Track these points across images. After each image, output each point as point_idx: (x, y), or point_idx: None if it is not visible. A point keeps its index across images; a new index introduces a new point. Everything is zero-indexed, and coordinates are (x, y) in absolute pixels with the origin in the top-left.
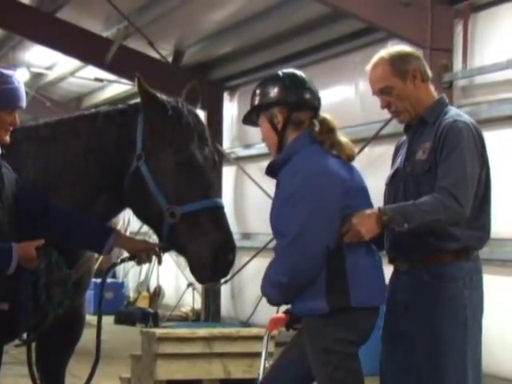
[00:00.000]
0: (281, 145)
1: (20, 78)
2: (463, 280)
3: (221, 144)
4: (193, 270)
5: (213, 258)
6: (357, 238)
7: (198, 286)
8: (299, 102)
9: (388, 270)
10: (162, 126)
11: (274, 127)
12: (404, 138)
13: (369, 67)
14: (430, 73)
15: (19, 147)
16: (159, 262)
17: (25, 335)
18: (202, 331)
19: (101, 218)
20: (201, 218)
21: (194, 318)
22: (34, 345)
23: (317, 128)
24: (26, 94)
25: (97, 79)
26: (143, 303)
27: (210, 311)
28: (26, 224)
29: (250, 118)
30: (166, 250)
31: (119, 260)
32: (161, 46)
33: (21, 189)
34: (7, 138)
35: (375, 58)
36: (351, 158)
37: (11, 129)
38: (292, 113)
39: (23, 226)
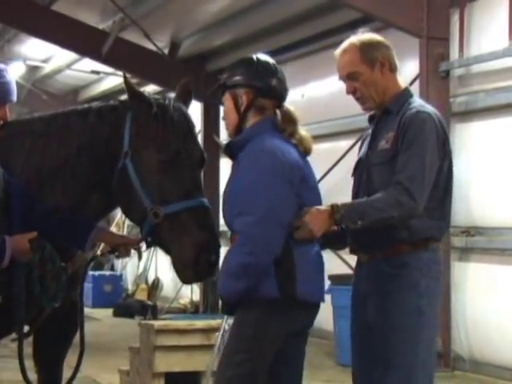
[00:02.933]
0: (239, 127)
1: (12, 71)
2: (420, 270)
3: (218, 135)
4: (176, 271)
5: (194, 259)
6: (308, 236)
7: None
8: (266, 88)
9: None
10: (146, 124)
11: (237, 108)
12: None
13: (338, 52)
14: (397, 63)
15: (14, 141)
16: (139, 258)
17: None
18: (201, 323)
19: (94, 214)
20: (184, 218)
21: (193, 310)
22: (30, 338)
23: (279, 117)
24: (23, 87)
25: (93, 72)
26: (142, 295)
27: (209, 303)
28: (15, 218)
29: (215, 95)
30: (148, 246)
31: (99, 254)
32: (157, 38)
33: (8, 183)
34: None
35: (345, 44)
36: (308, 151)
37: (1, 122)
38: (257, 97)
39: (13, 220)
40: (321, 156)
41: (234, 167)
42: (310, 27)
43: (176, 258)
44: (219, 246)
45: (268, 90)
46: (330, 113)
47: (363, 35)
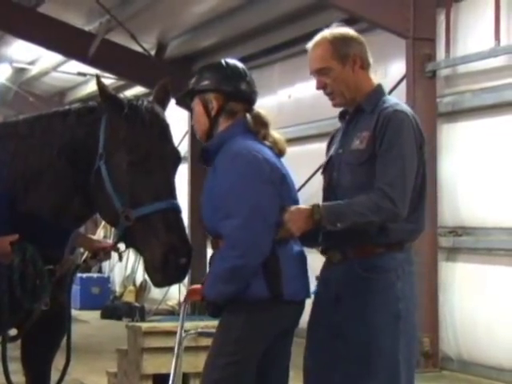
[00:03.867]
0: (210, 131)
1: None
2: (395, 271)
3: None
4: (147, 274)
5: (163, 263)
6: (287, 235)
7: (185, 280)
8: (236, 92)
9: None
10: (118, 125)
11: (208, 113)
12: (338, 127)
13: (310, 45)
14: (371, 61)
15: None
16: (119, 259)
17: (12, 331)
18: (189, 325)
19: (76, 217)
20: (153, 220)
21: None
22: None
23: (249, 120)
24: (9, 89)
25: (80, 73)
26: (129, 297)
27: (197, 305)
28: None
29: (183, 100)
30: (126, 247)
31: (82, 261)
32: (143, 40)
33: None
34: None
35: (318, 37)
36: (283, 152)
37: None
38: (228, 101)
39: None
40: (309, 156)
41: (209, 172)
42: (296, 28)
43: (146, 261)
44: (190, 249)
45: (238, 93)
46: (317, 113)
47: (336, 29)
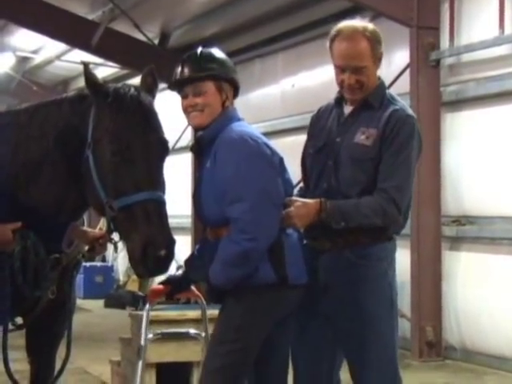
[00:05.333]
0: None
1: None
2: (386, 260)
3: None
4: (131, 265)
5: (142, 254)
6: (290, 225)
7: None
8: (238, 88)
9: None
10: (103, 114)
11: (223, 102)
12: (325, 106)
13: (343, 34)
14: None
15: (1, 134)
16: (115, 250)
17: (18, 320)
18: (192, 313)
19: (76, 209)
20: (135, 211)
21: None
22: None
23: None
24: (12, 78)
25: (84, 62)
26: (133, 286)
27: (201, 293)
28: None
29: (188, 83)
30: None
31: (81, 255)
32: (147, 29)
33: None
34: None
35: (351, 28)
36: None
37: None
38: (235, 94)
39: None
40: None
41: (206, 162)
42: (300, 17)
43: (128, 252)
44: (172, 241)
45: (238, 86)
46: (320, 102)
47: (368, 25)
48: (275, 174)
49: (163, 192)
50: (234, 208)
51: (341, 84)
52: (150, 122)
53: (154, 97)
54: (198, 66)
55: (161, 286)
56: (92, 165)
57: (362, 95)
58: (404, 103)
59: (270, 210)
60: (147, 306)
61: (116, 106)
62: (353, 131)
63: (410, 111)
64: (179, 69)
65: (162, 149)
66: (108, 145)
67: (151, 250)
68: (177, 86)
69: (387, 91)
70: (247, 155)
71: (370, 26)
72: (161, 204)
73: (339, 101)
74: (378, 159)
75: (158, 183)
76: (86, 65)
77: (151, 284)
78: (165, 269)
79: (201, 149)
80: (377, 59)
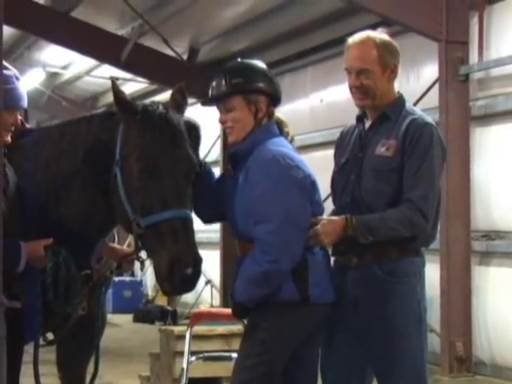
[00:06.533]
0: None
1: (20, 76)
2: (415, 275)
3: None
4: (157, 282)
5: (169, 272)
6: (318, 245)
7: (217, 283)
8: (278, 97)
9: None
10: (131, 131)
11: (254, 114)
12: (348, 127)
13: (353, 42)
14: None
15: (33, 149)
16: (141, 267)
17: (49, 335)
18: (221, 328)
19: (104, 225)
20: (161, 230)
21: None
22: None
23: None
24: (42, 93)
25: (112, 78)
26: (162, 301)
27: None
28: (29, 226)
29: (218, 99)
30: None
31: (109, 272)
32: (176, 44)
33: (22, 191)
34: (9, 138)
35: (363, 36)
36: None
37: (13, 129)
38: (270, 106)
39: (27, 228)
40: None
41: (238, 176)
42: (329, 32)
43: (155, 270)
44: (199, 259)
45: (278, 98)
46: (349, 117)
47: (382, 35)
48: (303, 197)
49: (190, 209)
50: (259, 228)
51: (350, 89)
52: (177, 139)
53: (183, 114)
54: (223, 83)
55: (203, 309)
56: (119, 182)
57: (371, 102)
58: (423, 113)
59: (294, 232)
60: (189, 329)
61: (144, 124)
62: (373, 144)
63: (429, 119)
64: (210, 87)
65: (189, 166)
66: (135, 162)
67: (178, 267)
68: (207, 104)
69: (407, 104)
70: (276, 176)
71: (385, 36)
72: (187, 221)
73: (361, 118)
74: (400, 169)
75: (184, 201)
76: (114, 82)
77: (179, 299)
78: (191, 287)
79: (234, 163)
80: (387, 68)
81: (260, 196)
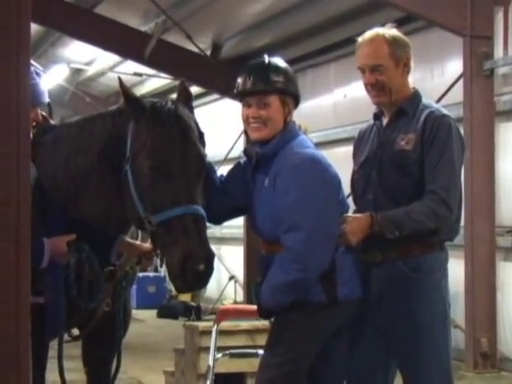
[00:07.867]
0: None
1: (42, 72)
2: (440, 271)
3: None
4: (170, 279)
5: (181, 269)
6: (345, 244)
7: (240, 279)
8: (299, 100)
9: None
10: (140, 128)
11: (285, 115)
12: (365, 127)
13: (363, 40)
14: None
15: (54, 146)
16: (160, 264)
17: (74, 331)
18: (245, 324)
19: (122, 222)
20: (173, 226)
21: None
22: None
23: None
24: (66, 89)
25: (136, 74)
26: (185, 297)
27: (253, 304)
28: (52, 223)
29: (254, 91)
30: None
31: (128, 269)
32: (199, 40)
33: (44, 188)
34: (30, 134)
35: (372, 34)
36: None
37: (34, 124)
38: (295, 107)
39: (50, 224)
40: None
41: (261, 176)
42: (352, 27)
43: (167, 267)
44: (211, 255)
45: (300, 99)
46: (372, 113)
47: (391, 30)
48: (334, 203)
49: (201, 205)
50: (289, 236)
51: (366, 87)
52: (187, 135)
53: (191, 109)
54: (266, 78)
55: (229, 306)
56: (130, 179)
57: (388, 98)
58: (439, 106)
59: (324, 242)
60: (215, 326)
61: (153, 120)
62: (392, 140)
63: (446, 111)
64: (244, 78)
65: (200, 162)
66: (145, 159)
67: (190, 264)
68: (241, 95)
69: (425, 100)
70: (307, 184)
71: (394, 31)
72: (199, 218)
73: (378, 116)
74: (420, 162)
75: (195, 197)
76: (121, 79)
77: (203, 295)
78: (204, 283)
79: (257, 163)
80: (400, 62)
81: (292, 202)
